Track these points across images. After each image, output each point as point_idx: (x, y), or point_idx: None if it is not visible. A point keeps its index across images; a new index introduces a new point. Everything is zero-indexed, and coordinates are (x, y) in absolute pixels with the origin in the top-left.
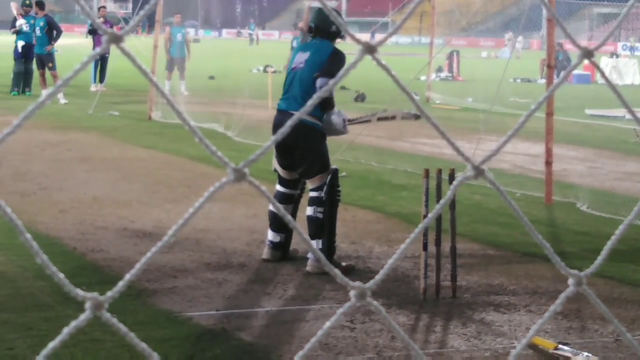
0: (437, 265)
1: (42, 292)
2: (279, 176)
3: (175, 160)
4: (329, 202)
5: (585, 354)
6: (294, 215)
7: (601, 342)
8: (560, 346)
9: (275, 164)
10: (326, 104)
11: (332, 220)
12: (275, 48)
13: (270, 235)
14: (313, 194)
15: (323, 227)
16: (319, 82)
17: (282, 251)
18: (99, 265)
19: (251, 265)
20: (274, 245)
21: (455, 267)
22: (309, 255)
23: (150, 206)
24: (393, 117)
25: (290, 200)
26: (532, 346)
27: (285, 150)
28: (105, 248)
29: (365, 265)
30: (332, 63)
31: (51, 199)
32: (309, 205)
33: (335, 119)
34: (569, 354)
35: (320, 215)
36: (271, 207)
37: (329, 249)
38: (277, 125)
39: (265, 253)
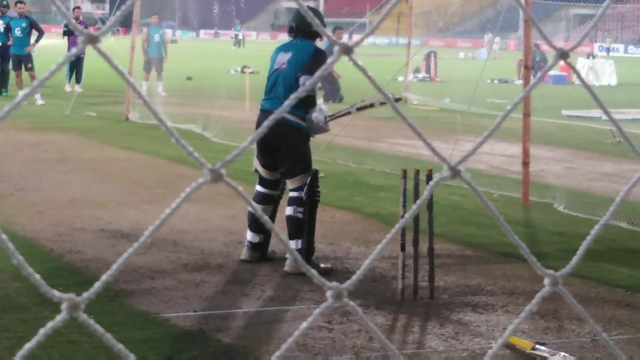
0: (414, 265)
1: (18, 294)
2: (260, 176)
3: (152, 161)
4: (309, 202)
5: (562, 354)
6: (273, 215)
7: (578, 342)
8: (537, 346)
9: (256, 164)
10: (309, 102)
11: (311, 221)
12: (259, 49)
13: (249, 235)
14: (293, 194)
15: (302, 228)
16: (302, 79)
17: (260, 252)
18: (76, 267)
19: (229, 266)
20: (252, 246)
21: (433, 267)
22: (288, 255)
23: (127, 207)
24: (372, 105)
25: (270, 201)
26: (509, 346)
27: (269, 150)
28: (83, 249)
29: (343, 265)
30: (315, 61)
31: (28, 200)
32: (289, 205)
33: (317, 116)
34: (546, 354)
35: (300, 216)
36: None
37: (307, 250)
38: (260, 126)
39: (244, 254)
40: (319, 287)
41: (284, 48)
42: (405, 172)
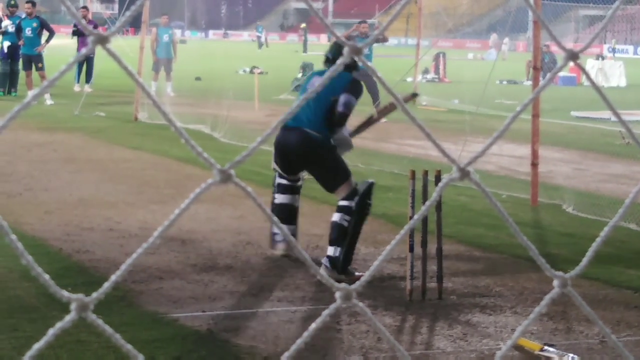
0: (423, 266)
1: (27, 294)
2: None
3: (161, 162)
4: (358, 213)
5: (571, 355)
6: (296, 205)
7: (586, 344)
8: (545, 347)
9: (274, 165)
10: (341, 121)
11: (355, 232)
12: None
13: (285, 229)
14: (343, 202)
15: (345, 236)
16: (344, 97)
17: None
18: (85, 267)
19: (237, 266)
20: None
21: (441, 268)
22: (324, 260)
23: (136, 207)
24: (392, 105)
25: (292, 190)
26: (517, 347)
27: (292, 165)
28: (91, 249)
29: (352, 266)
30: (354, 86)
31: (37, 200)
32: (337, 211)
33: (346, 135)
34: (554, 356)
35: (345, 224)
36: (276, 201)
37: (345, 258)
38: (280, 141)
39: (281, 248)
40: (328, 288)
41: (319, 73)
42: (413, 173)
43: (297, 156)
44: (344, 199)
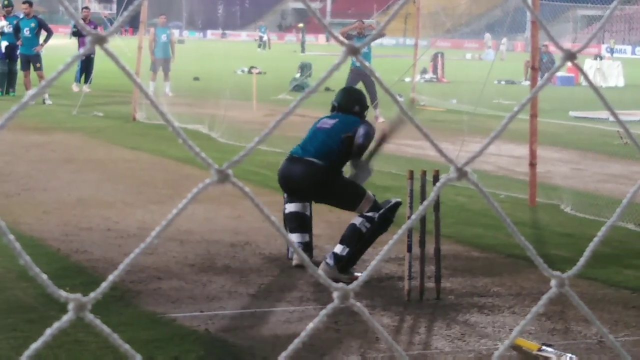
0: (421, 266)
1: (25, 294)
2: None
3: (159, 162)
4: (379, 224)
5: (569, 355)
6: (307, 214)
7: (584, 344)
8: (543, 347)
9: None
10: (361, 152)
11: (371, 239)
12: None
13: (297, 237)
14: (367, 213)
15: (358, 240)
16: (363, 129)
17: (310, 252)
18: (83, 267)
19: (235, 266)
20: (304, 247)
21: (440, 268)
22: (328, 256)
23: (134, 207)
24: (400, 120)
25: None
26: (515, 348)
27: (299, 196)
28: (90, 249)
29: (353, 267)
30: (369, 122)
31: (35, 200)
32: (359, 216)
33: (364, 163)
34: (552, 356)
35: (364, 230)
36: (289, 209)
37: (351, 259)
38: (284, 174)
39: (296, 258)
40: (326, 289)
41: (328, 117)
42: (412, 173)
43: (303, 188)
44: (368, 211)
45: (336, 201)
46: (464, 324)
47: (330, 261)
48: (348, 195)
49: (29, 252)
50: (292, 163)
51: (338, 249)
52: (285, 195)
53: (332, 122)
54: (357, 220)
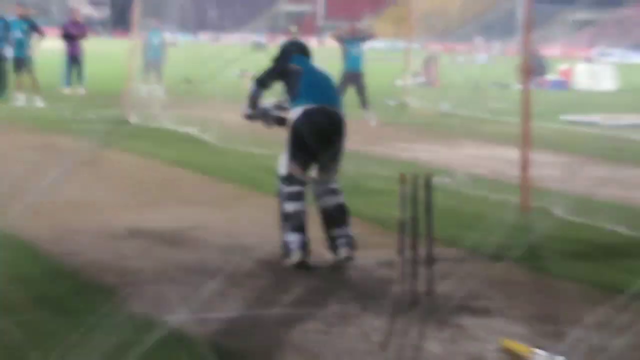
0: (412, 269)
1: (13, 296)
2: (290, 178)
3: (151, 164)
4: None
5: (560, 358)
6: (306, 211)
7: (576, 347)
8: (534, 350)
9: (290, 167)
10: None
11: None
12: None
13: (297, 237)
14: (334, 185)
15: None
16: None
17: (307, 251)
18: (75, 269)
19: (228, 269)
20: (303, 247)
21: (431, 271)
22: (341, 243)
23: (126, 209)
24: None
25: (303, 197)
26: (507, 351)
27: (318, 149)
28: (81, 251)
29: (342, 268)
30: None
31: (26, 201)
32: (338, 193)
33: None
34: (544, 359)
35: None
36: (289, 210)
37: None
38: (314, 121)
39: (297, 255)
40: (320, 291)
41: (307, 63)
42: (403, 177)
43: (330, 136)
44: (334, 182)
45: (339, 156)
46: (455, 327)
47: (351, 247)
48: (341, 157)
49: (20, 254)
50: (325, 115)
51: (350, 231)
52: (285, 192)
53: (320, 69)
54: (340, 198)
